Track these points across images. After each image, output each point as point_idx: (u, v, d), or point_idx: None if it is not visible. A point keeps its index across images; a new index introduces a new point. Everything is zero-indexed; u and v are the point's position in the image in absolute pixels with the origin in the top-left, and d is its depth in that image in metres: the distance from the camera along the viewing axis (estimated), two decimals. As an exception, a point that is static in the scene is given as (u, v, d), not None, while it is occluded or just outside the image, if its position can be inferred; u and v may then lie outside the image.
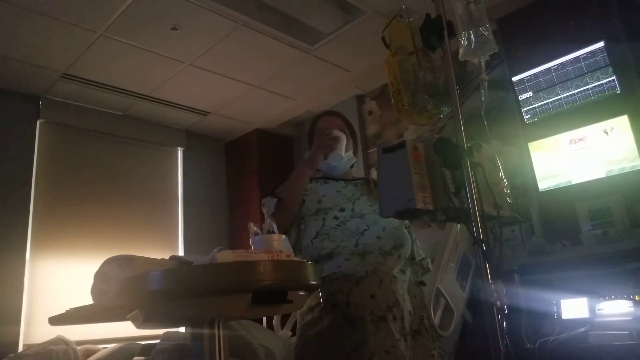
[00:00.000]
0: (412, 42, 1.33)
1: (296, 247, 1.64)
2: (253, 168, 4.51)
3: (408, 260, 1.71)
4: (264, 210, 1.70)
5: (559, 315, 2.37)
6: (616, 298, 2.22)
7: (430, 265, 1.80)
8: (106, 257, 1.32)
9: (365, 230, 1.62)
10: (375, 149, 1.21)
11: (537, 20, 2.95)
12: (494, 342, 1.08)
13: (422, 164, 1.16)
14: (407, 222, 1.74)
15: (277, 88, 3.92)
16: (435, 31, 1.26)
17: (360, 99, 4.22)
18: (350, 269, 1.56)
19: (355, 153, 1.88)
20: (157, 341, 1.87)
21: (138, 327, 1.19)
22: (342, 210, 1.68)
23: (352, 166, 1.90)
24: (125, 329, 1.55)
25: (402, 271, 1.66)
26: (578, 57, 2.70)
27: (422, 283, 1.77)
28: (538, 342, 2.33)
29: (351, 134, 1.88)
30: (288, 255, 1.21)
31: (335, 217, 1.66)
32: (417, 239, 1.80)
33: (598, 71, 2.64)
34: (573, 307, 2.34)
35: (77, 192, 3.78)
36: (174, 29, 3.02)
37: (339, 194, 1.73)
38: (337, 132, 1.78)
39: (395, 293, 1.57)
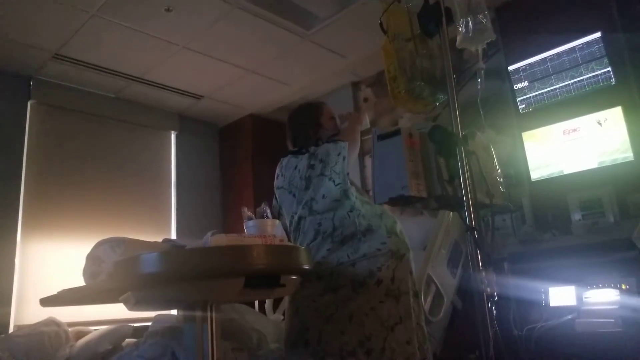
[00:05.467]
0: (409, 29, 1.32)
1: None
2: (247, 153, 4.50)
3: None
4: (333, 155, 1.62)
5: (547, 303, 2.40)
6: (603, 287, 2.25)
7: None
8: (98, 239, 1.32)
9: (382, 213, 1.67)
10: (370, 135, 1.21)
11: (534, 9, 2.94)
12: (483, 328, 1.09)
13: (416, 152, 1.17)
14: None
15: (272, 73, 3.89)
16: (433, 18, 1.25)
17: (355, 85, 4.20)
18: (395, 245, 1.61)
19: None
20: (149, 323, 1.88)
21: (130, 309, 1.19)
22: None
23: None
24: (117, 311, 1.55)
25: None
26: (574, 47, 2.70)
27: None
28: (525, 329, 2.37)
29: None
30: (281, 240, 1.21)
31: (355, 196, 1.68)
32: (410, 226, 1.83)
33: (593, 62, 2.64)
34: (561, 295, 2.38)
35: (69, 174, 3.74)
36: (167, 10, 2.98)
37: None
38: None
39: None
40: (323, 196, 1.58)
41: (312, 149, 1.69)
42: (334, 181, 1.58)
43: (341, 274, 1.55)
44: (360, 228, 1.59)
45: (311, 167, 1.62)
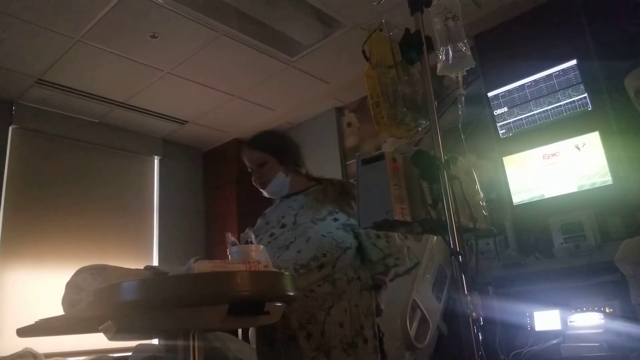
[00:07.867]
0: (391, 56, 1.35)
1: None
2: (231, 178, 4.48)
3: (365, 262, 1.67)
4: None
5: (532, 327, 2.40)
6: (587, 310, 2.26)
7: (398, 262, 1.67)
8: (78, 266, 1.29)
9: (290, 243, 1.62)
10: (354, 160, 1.22)
11: (512, 37, 3.04)
12: (469, 354, 1.08)
13: (400, 176, 1.17)
14: (353, 222, 1.64)
15: (257, 98, 3.92)
16: (414, 46, 1.28)
17: (339, 110, 4.25)
18: None
19: (290, 161, 1.80)
20: (129, 354, 1.82)
21: (110, 338, 1.16)
22: (282, 226, 1.69)
23: (304, 173, 1.82)
24: (97, 340, 1.51)
25: (332, 282, 1.58)
26: (551, 74, 2.79)
27: (374, 287, 1.68)
28: (512, 354, 2.36)
29: (278, 148, 1.80)
30: (266, 266, 1.20)
31: (272, 234, 1.68)
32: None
33: (570, 88, 2.72)
34: (546, 319, 2.38)
35: (50, 200, 3.68)
36: (153, 36, 3.00)
37: (289, 209, 1.73)
38: None
39: (311, 308, 1.53)
40: None
41: None
42: None
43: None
44: None
45: None
